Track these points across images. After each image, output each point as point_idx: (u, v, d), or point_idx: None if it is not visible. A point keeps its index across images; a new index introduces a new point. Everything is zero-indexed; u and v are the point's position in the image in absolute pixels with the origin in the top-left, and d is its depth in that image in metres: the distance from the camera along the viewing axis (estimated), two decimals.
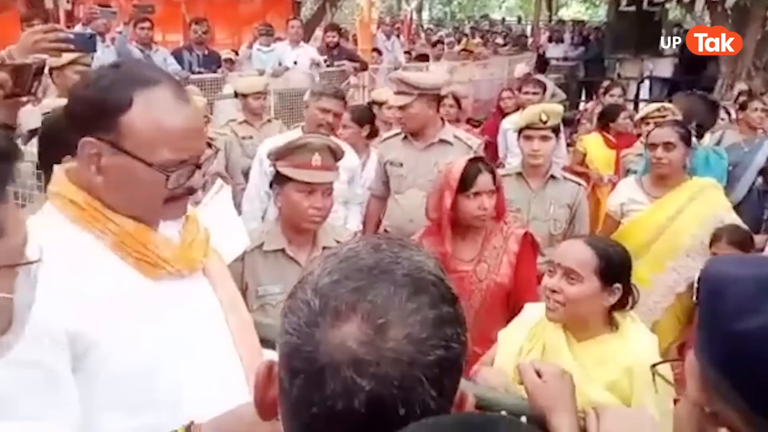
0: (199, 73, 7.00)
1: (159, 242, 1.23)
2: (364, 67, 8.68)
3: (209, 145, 1.35)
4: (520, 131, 3.43)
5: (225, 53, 7.99)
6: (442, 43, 12.50)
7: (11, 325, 0.83)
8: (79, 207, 1.19)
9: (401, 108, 3.50)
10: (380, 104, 5.11)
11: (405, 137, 3.61)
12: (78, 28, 6.40)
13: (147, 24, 6.85)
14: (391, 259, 0.76)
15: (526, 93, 5.69)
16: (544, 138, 3.31)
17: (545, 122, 3.31)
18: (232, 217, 1.66)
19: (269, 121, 5.19)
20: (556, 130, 3.39)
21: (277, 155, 2.36)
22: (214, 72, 7.19)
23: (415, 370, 0.70)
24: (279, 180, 2.36)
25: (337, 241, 2.40)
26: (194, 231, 1.33)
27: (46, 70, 1.68)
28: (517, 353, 1.97)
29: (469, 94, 7.48)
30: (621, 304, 1.93)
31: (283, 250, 2.35)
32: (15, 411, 1.07)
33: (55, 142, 1.60)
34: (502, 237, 2.64)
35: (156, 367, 1.18)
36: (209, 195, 1.51)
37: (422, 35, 16.81)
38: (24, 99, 1.62)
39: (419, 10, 24.90)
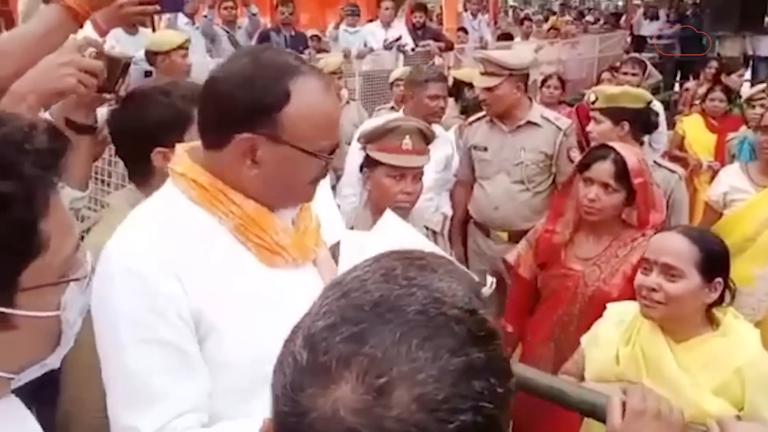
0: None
1: (279, 228, 1.23)
2: (449, 47, 8.55)
3: None
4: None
5: (310, 33, 8.04)
6: (530, 20, 12.18)
7: (59, 344, 0.77)
8: (202, 187, 1.18)
9: (488, 90, 3.37)
10: (471, 85, 4.98)
11: (491, 120, 3.48)
12: None
13: (230, 3, 6.98)
14: (403, 290, 0.60)
15: (625, 74, 5.42)
16: (594, 119, 3.15)
17: (593, 102, 3.15)
18: (330, 203, 1.63)
19: (347, 102, 5.17)
20: (616, 115, 3.08)
21: (367, 138, 2.33)
22: (301, 53, 7.23)
23: None
24: (368, 163, 2.33)
25: (426, 227, 2.36)
26: (307, 219, 1.32)
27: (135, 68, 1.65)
28: (614, 360, 1.85)
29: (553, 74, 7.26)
30: (720, 300, 1.79)
31: None
32: (146, 387, 1.10)
33: (139, 126, 1.59)
34: (630, 247, 2.38)
35: (270, 355, 1.16)
36: None
37: (509, 13, 16.44)
38: (108, 96, 1.60)
39: None
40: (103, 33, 1.85)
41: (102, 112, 1.67)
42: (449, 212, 3.57)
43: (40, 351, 0.75)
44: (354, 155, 3.47)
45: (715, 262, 1.77)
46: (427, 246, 1.36)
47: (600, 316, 2.38)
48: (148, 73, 1.63)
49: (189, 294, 1.12)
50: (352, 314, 0.59)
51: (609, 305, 2.01)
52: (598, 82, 6.49)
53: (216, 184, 1.19)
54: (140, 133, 1.57)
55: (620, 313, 1.93)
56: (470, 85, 4.93)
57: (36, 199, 0.67)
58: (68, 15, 1.53)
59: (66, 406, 1.49)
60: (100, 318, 1.14)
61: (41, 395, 1.56)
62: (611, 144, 2.47)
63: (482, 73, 3.43)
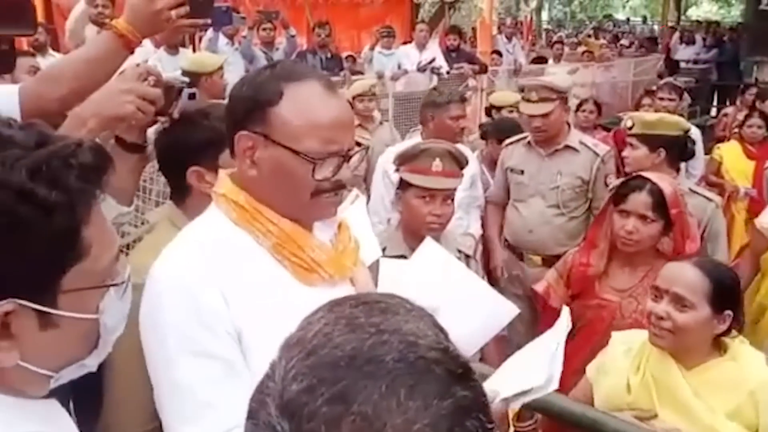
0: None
1: (315, 245, 1.25)
2: (483, 70, 8.59)
3: (358, 144, 1.32)
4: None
5: (345, 54, 8.15)
6: (562, 43, 12.18)
7: (97, 347, 0.81)
8: (242, 208, 1.23)
9: (544, 116, 3.33)
10: (499, 109, 5.01)
11: (528, 143, 3.48)
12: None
13: (269, 25, 7.13)
14: (374, 338, 0.57)
15: (661, 99, 5.38)
16: (630, 145, 3.12)
17: (629, 128, 3.13)
18: (366, 227, 1.66)
19: (381, 124, 5.19)
20: (652, 141, 3.04)
21: (400, 160, 2.36)
22: (336, 75, 7.33)
23: None
24: (401, 185, 2.36)
25: (459, 251, 2.37)
26: (345, 240, 1.34)
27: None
28: (625, 389, 1.84)
29: (589, 98, 7.24)
30: (728, 331, 1.80)
31: (404, 257, 2.33)
32: (195, 399, 1.14)
33: (179, 146, 1.65)
34: None
35: None
36: (345, 204, 1.50)
37: (542, 36, 16.45)
38: (162, 119, 1.65)
39: (538, 10, 24.39)
40: (158, 44, 1.93)
41: (150, 131, 1.73)
42: (478, 232, 3.56)
43: (79, 351, 0.79)
44: (379, 180, 3.51)
45: (726, 294, 1.78)
46: (467, 274, 1.35)
47: None
48: (191, 96, 1.68)
49: (231, 311, 1.16)
50: (328, 373, 0.56)
51: (614, 333, 2.02)
52: (637, 106, 6.41)
53: (253, 203, 1.23)
54: (178, 152, 1.63)
55: (627, 342, 1.94)
56: (500, 109, 4.96)
57: (78, 209, 0.72)
58: (120, 42, 1.61)
59: (109, 418, 1.53)
60: (149, 335, 1.19)
61: (80, 403, 1.61)
62: (645, 174, 2.46)
63: (534, 101, 3.36)
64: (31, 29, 1.91)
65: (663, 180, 2.40)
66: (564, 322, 1.36)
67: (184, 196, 1.66)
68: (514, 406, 1.19)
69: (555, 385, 1.18)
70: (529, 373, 1.22)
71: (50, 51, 5.52)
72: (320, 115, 1.19)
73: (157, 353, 1.18)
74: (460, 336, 1.29)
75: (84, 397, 1.56)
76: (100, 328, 0.79)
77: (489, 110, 5.16)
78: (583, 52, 11.20)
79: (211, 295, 1.16)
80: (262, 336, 1.16)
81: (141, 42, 1.68)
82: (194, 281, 1.17)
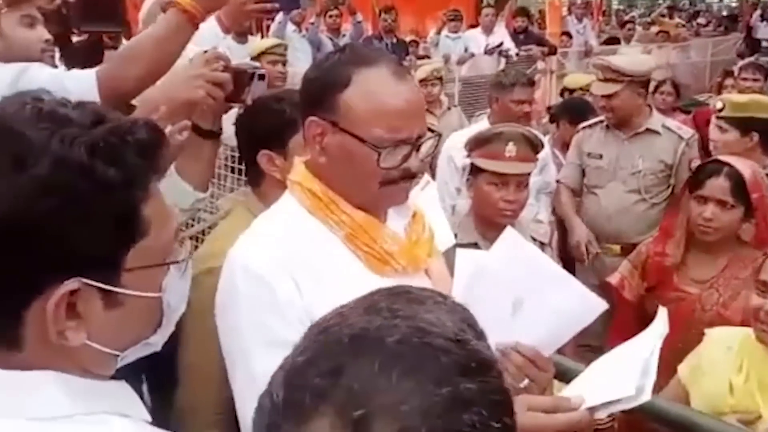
0: None
1: (387, 236, 1.23)
2: (552, 52, 8.41)
3: (431, 131, 1.28)
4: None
5: (410, 39, 8.11)
6: (633, 23, 11.77)
7: (161, 326, 0.81)
8: (315, 197, 1.22)
9: (607, 97, 3.26)
10: (572, 92, 4.87)
11: (607, 126, 3.37)
12: None
13: (336, 12, 7.15)
14: (385, 321, 0.57)
15: (744, 79, 5.14)
16: (719, 128, 2.97)
17: (719, 110, 2.98)
18: (438, 213, 1.62)
19: (449, 108, 5.13)
20: (744, 124, 2.89)
21: (471, 145, 2.31)
22: (402, 59, 7.29)
23: None
24: (472, 170, 2.31)
25: (533, 238, 2.31)
26: (419, 229, 1.31)
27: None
28: (727, 390, 1.74)
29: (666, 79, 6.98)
30: None
31: (476, 245, 2.28)
32: None
33: (251, 131, 1.66)
34: (751, 268, 2.16)
35: None
36: (416, 191, 1.47)
37: (613, 17, 15.96)
38: (235, 106, 1.67)
39: None
40: (226, 30, 1.94)
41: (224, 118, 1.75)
42: (547, 219, 3.44)
43: (143, 330, 0.79)
44: (444, 166, 3.46)
45: None
46: (552, 266, 1.29)
47: None
48: (261, 77, 1.69)
49: (305, 300, 1.15)
50: (330, 348, 0.57)
51: (708, 330, 1.90)
52: (720, 88, 6.11)
53: (328, 193, 1.22)
54: (249, 136, 1.66)
55: (726, 339, 1.83)
56: (572, 92, 4.83)
57: (137, 185, 0.72)
58: (185, 18, 1.63)
59: (183, 403, 1.55)
60: (225, 323, 1.20)
61: (155, 388, 1.64)
62: (722, 158, 2.34)
63: (600, 80, 3.32)
64: (119, 26, 1.97)
65: (742, 162, 2.28)
66: (661, 325, 1.30)
67: (258, 182, 1.67)
68: (600, 416, 1.13)
69: (647, 396, 1.11)
70: (619, 380, 1.16)
71: (124, 42, 5.65)
72: (388, 102, 1.16)
73: (232, 341, 1.19)
74: (544, 330, 1.25)
75: (159, 381, 1.60)
76: (163, 306, 0.79)
77: (562, 93, 5.04)
78: (658, 32, 10.81)
79: (284, 283, 1.15)
80: None
81: (204, 17, 1.69)
82: (268, 268, 1.17)
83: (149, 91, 1.58)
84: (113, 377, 0.80)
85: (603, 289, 2.90)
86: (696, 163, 3.09)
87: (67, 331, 0.70)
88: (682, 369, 1.88)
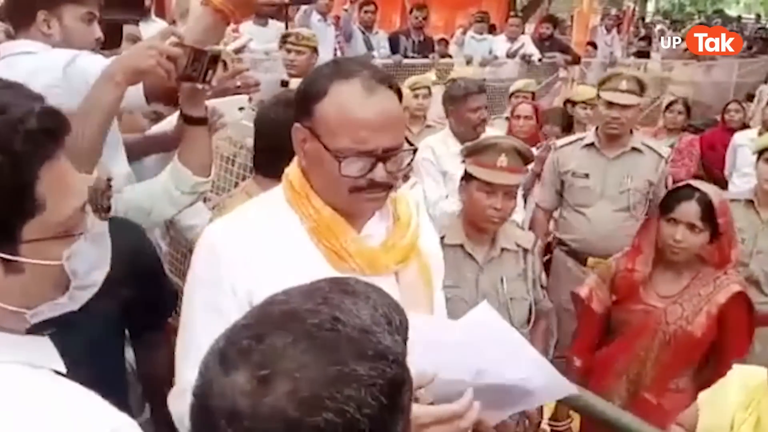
0: (413, 57, 7.23)
1: (349, 236, 1.32)
2: (575, 61, 8.44)
3: (408, 143, 1.36)
4: (760, 153, 3.07)
5: (438, 37, 8.17)
6: (663, 35, 11.70)
7: (68, 289, 0.92)
8: (293, 189, 1.34)
9: (626, 107, 3.26)
10: (574, 104, 4.84)
11: (588, 144, 3.41)
12: None
13: (371, 8, 7.23)
14: (313, 306, 0.72)
15: None
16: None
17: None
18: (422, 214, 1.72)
19: (428, 127, 4.73)
20: None
21: (467, 152, 2.41)
22: (425, 57, 7.37)
23: None
24: (465, 176, 2.41)
25: (518, 245, 2.42)
26: (399, 236, 1.37)
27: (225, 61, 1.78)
28: (729, 424, 1.76)
29: (688, 97, 7.01)
30: None
31: (461, 246, 2.40)
32: (196, 347, 1.24)
33: (264, 132, 1.79)
34: (712, 286, 2.40)
35: None
36: (404, 188, 1.57)
37: (641, 29, 15.84)
38: (199, 86, 1.77)
39: (644, 0, 23.40)
40: (237, 22, 2.06)
41: (210, 104, 1.87)
42: (522, 219, 3.46)
43: (47, 292, 0.90)
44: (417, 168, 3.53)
45: None
46: (522, 344, 1.30)
47: (681, 355, 2.39)
48: (284, 83, 1.77)
49: (248, 273, 1.26)
50: (263, 319, 0.72)
51: (736, 366, 1.92)
52: (723, 113, 6.08)
53: (304, 187, 1.33)
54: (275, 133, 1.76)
55: (746, 377, 1.84)
56: (575, 104, 4.87)
57: (25, 169, 0.83)
58: (218, 15, 1.79)
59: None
60: (185, 288, 1.36)
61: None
62: (693, 183, 2.46)
63: (622, 90, 3.27)
64: (140, 15, 2.10)
65: (710, 188, 2.42)
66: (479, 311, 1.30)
67: (269, 173, 1.82)
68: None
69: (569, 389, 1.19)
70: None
71: (153, 17, 5.72)
72: (355, 115, 1.23)
73: (185, 300, 1.35)
74: (500, 399, 1.27)
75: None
76: (68, 272, 0.90)
77: (565, 104, 5.08)
78: (686, 49, 10.76)
79: (232, 253, 1.28)
80: None
81: (234, 13, 1.84)
82: (224, 242, 1.31)
83: (110, 64, 1.70)
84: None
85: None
86: (670, 180, 3.22)
87: None
88: (702, 396, 1.91)
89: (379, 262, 1.34)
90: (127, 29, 3.24)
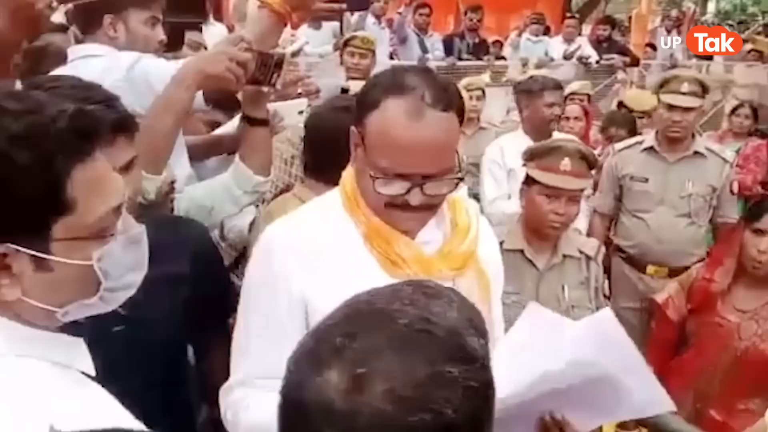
0: (467, 60, 7.18)
1: (402, 242, 1.30)
2: (634, 63, 8.26)
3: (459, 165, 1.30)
4: None
5: (492, 39, 8.09)
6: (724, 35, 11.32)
7: (100, 290, 0.90)
8: (347, 194, 1.33)
9: (689, 110, 3.18)
10: (630, 111, 4.73)
11: (649, 148, 3.32)
12: None
13: (426, 10, 7.23)
14: (401, 306, 0.72)
15: None
16: None
17: None
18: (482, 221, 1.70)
19: (482, 129, 4.69)
20: None
21: (529, 155, 2.36)
22: (480, 59, 7.32)
23: None
24: (527, 180, 2.36)
25: (581, 251, 2.35)
26: (456, 243, 1.35)
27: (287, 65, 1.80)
28: None
29: (754, 100, 6.78)
30: None
31: (521, 251, 2.35)
32: (246, 344, 1.32)
33: (316, 137, 1.80)
34: None
35: None
36: (457, 195, 1.55)
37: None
38: (264, 89, 1.79)
39: (704, 1, 22.75)
40: (294, 27, 2.08)
41: (271, 107, 1.89)
42: (584, 227, 3.39)
43: (77, 292, 0.89)
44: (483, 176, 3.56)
45: None
46: (632, 351, 1.28)
47: (751, 374, 2.27)
48: (344, 90, 1.78)
49: (303, 279, 1.27)
50: (353, 318, 0.72)
51: None
52: None
53: (355, 192, 1.32)
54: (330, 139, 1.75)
55: None
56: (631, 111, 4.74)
57: (55, 170, 0.83)
58: (275, 18, 1.80)
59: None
60: (243, 283, 1.38)
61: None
62: None
63: (684, 92, 3.19)
64: (201, 18, 2.14)
65: None
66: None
67: (325, 177, 1.77)
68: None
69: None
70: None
71: (212, 20, 5.82)
72: (396, 137, 1.20)
73: (242, 299, 1.37)
74: (596, 409, 1.27)
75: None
76: (98, 273, 0.89)
77: (619, 107, 4.95)
78: (750, 51, 10.41)
79: (286, 258, 1.29)
80: (329, 310, 1.27)
81: (291, 15, 1.84)
82: (279, 244, 1.32)
83: (181, 68, 1.73)
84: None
85: (643, 311, 2.90)
86: (735, 185, 3.11)
87: (2, 287, 0.83)
88: None
89: (433, 267, 1.32)
90: (189, 35, 3.30)
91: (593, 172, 2.43)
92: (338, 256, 1.30)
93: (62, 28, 2.99)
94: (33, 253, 0.83)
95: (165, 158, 1.69)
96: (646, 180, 3.29)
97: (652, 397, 1.30)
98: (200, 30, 3.44)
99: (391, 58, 6.68)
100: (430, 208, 1.29)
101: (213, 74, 1.67)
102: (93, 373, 0.90)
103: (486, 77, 6.27)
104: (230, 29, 5.73)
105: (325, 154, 1.74)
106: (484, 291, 1.40)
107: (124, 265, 0.92)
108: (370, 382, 0.66)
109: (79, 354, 0.91)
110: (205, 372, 1.86)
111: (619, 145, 3.52)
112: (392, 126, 1.21)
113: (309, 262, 1.28)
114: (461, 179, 1.33)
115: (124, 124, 1.33)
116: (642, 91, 5.35)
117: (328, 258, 1.29)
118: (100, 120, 0.88)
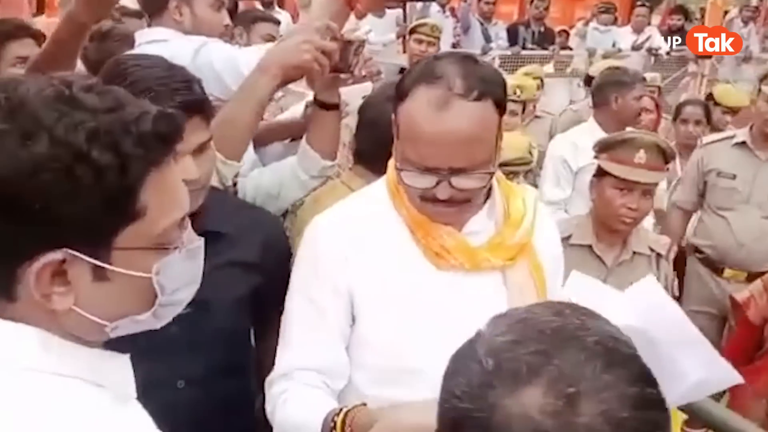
0: (531, 49, 7.05)
1: (444, 232, 1.26)
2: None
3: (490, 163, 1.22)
4: None
5: (558, 29, 7.92)
6: None
7: (155, 304, 0.84)
8: (390, 186, 1.31)
9: None
10: (717, 104, 4.44)
11: (740, 143, 3.14)
12: None
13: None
14: (578, 325, 0.67)
15: None
16: None
17: None
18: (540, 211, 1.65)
19: (537, 117, 4.70)
20: None
21: (601, 147, 2.28)
22: (545, 49, 7.17)
23: None
24: (598, 172, 2.28)
25: (651, 249, 2.26)
26: (508, 234, 1.30)
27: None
28: None
29: None
30: None
31: (590, 247, 2.27)
32: (288, 333, 1.32)
33: (367, 124, 1.80)
34: None
35: (409, 345, 1.25)
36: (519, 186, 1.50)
37: None
38: (343, 76, 1.74)
39: None
40: (360, 16, 2.04)
41: (344, 91, 1.84)
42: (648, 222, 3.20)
43: (131, 306, 0.83)
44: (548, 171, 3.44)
45: None
46: (688, 325, 1.25)
47: None
48: (402, 70, 1.76)
49: (349, 269, 1.27)
50: (533, 335, 0.66)
51: None
52: None
53: (396, 183, 1.28)
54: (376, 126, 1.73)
55: None
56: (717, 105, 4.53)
57: (132, 173, 0.77)
58: (342, 1, 1.78)
59: None
60: (291, 274, 1.37)
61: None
62: None
63: None
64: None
65: None
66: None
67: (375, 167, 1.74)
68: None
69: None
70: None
71: (276, 8, 5.88)
72: (420, 128, 1.16)
73: (289, 288, 1.36)
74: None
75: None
76: (155, 287, 0.83)
77: (707, 99, 4.74)
78: None
79: (331, 249, 1.28)
80: (375, 301, 1.27)
81: (358, 1, 1.81)
82: (325, 234, 1.31)
83: (265, 56, 1.70)
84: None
85: (718, 318, 2.76)
86: None
87: (54, 295, 0.77)
88: None
89: (480, 258, 1.27)
90: (263, 27, 3.29)
91: (668, 166, 2.32)
92: (384, 248, 1.28)
93: (137, 14, 3.04)
94: (93, 261, 0.78)
95: (245, 146, 1.69)
96: (734, 177, 3.11)
97: (714, 371, 1.22)
98: (278, 23, 3.44)
99: (454, 47, 6.60)
100: (464, 202, 1.23)
101: (299, 64, 1.65)
102: (134, 394, 0.85)
103: (550, 67, 6.12)
104: (294, 18, 5.77)
105: (374, 143, 1.72)
106: (539, 283, 1.34)
107: (180, 280, 0.86)
108: (581, 402, 0.62)
109: (119, 372, 0.85)
110: (262, 360, 1.85)
111: (707, 139, 3.36)
112: (417, 116, 1.17)
113: (355, 254, 1.27)
114: (492, 174, 1.25)
115: (200, 106, 1.32)
116: (734, 86, 5.11)
117: (374, 249, 1.28)
118: (180, 126, 0.83)
